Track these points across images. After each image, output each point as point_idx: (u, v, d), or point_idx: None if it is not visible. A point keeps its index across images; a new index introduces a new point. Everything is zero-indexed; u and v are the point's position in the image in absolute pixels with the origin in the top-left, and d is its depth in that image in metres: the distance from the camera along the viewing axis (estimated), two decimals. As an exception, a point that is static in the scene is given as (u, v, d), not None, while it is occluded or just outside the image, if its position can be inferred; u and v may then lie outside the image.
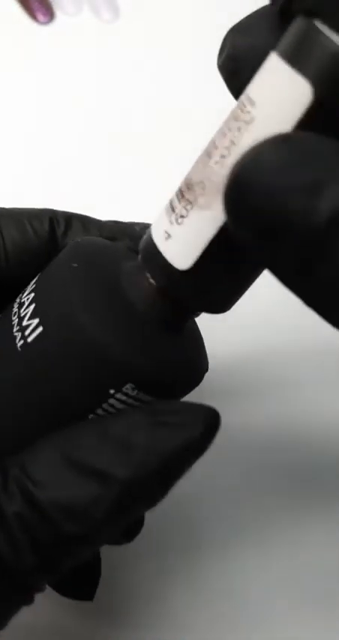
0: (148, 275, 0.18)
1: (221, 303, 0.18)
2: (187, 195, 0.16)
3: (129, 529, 0.23)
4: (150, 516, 0.25)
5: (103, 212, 0.34)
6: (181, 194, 0.16)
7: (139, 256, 0.18)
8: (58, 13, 0.42)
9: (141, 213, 0.34)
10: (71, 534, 0.16)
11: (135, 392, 0.17)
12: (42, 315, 0.18)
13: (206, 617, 0.26)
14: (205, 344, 0.20)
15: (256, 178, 0.12)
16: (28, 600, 0.17)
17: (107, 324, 0.17)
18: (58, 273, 0.18)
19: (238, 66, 0.16)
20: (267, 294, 0.32)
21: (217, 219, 0.15)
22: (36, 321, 0.18)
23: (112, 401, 0.17)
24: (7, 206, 0.22)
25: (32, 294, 0.18)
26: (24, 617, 0.17)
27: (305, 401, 0.31)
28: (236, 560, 0.27)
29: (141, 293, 0.18)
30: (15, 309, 0.19)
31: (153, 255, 0.17)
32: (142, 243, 0.18)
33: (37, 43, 0.41)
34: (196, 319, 0.20)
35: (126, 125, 0.38)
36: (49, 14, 0.41)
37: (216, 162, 0.15)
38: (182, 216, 0.16)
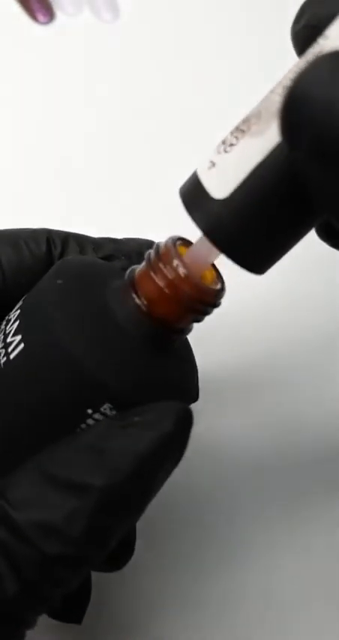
0: (135, 295, 0.18)
1: (257, 253, 0.16)
2: (240, 127, 0.16)
3: (117, 555, 0.23)
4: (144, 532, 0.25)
5: (102, 212, 0.34)
6: (235, 129, 0.16)
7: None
8: (58, 13, 0.42)
9: (141, 212, 0.35)
10: (52, 555, 0.15)
11: (113, 412, 0.17)
12: (24, 331, 0.18)
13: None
14: (205, 348, 0.20)
15: (313, 89, 0.12)
16: (18, 636, 0.16)
17: (86, 343, 0.17)
18: (42, 290, 0.18)
19: (315, 33, 0.16)
20: (264, 299, 0.33)
21: (265, 146, 0.15)
22: (18, 337, 0.18)
23: (90, 421, 0.17)
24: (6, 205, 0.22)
25: (18, 312, 0.18)
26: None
27: (304, 401, 0.31)
28: (241, 569, 0.28)
29: (127, 312, 0.18)
30: (2, 326, 0.19)
31: (193, 189, 0.16)
32: (181, 188, 0.17)
33: (37, 43, 0.41)
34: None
35: (126, 125, 0.39)
36: (49, 14, 0.41)
37: (277, 94, 0.15)
38: (231, 145, 0.16)
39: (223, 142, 0.16)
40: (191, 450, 0.17)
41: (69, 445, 0.16)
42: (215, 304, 0.18)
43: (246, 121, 0.16)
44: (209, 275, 0.18)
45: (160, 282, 0.17)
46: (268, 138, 0.15)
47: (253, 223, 0.16)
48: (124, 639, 0.26)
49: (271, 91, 0.16)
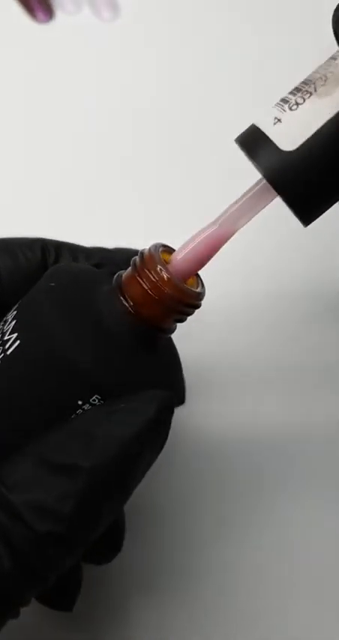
0: (122, 298, 0.19)
1: (313, 202, 0.18)
2: (304, 88, 0.18)
3: (106, 549, 0.24)
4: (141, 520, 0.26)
5: (102, 210, 0.34)
6: (295, 90, 0.18)
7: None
8: (58, 12, 0.42)
9: (142, 212, 0.35)
10: (44, 533, 0.16)
11: (101, 403, 0.19)
12: (20, 330, 0.19)
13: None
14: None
15: None
16: (13, 613, 0.17)
17: (76, 340, 0.18)
18: (36, 292, 0.20)
19: None
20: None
21: (333, 105, 0.17)
22: (15, 335, 0.19)
23: (80, 411, 0.19)
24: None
25: (15, 312, 0.20)
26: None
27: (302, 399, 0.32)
28: (233, 562, 0.28)
29: (114, 312, 0.19)
30: (0, 326, 0.20)
31: (257, 140, 0.18)
32: (240, 137, 0.19)
33: (37, 43, 0.41)
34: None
35: (126, 124, 0.39)
36: (49, 13, 0.42)
37: None
38: (297, 104, 0.18)
39: (286, 102, 0.18)
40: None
41: (61, 431, 0.18)
42: (196, 305, 0.20)
43: (308, 83, 0.18)
44: (190, 279, 0.20)
45: (145, 285, 0.19)
46: (336, 98, 0.17)
47: (317, 174, 0.18)
48: (118, 624, 0.27)
49: (334, 58, 0.18)
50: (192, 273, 0.20)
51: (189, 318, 0.20)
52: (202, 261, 0.19)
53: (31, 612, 0.19)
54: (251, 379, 0.32)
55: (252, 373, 0.32)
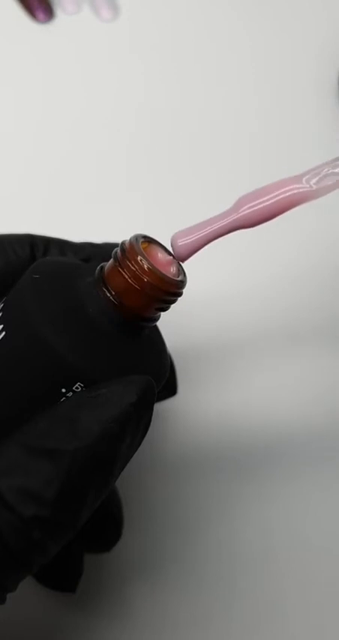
0: (105, 288, 0.20)
1: None
2: None
3: (106, 536, 0.24)
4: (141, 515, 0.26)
5: (101, 210, 0.34)
6: None
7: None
8: (58, 12, 0.42)
9: (142, 211, 0.36)
10: (28, 517, 0.16)
11: None
12: (5, 321, 0.20)
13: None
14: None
15: None
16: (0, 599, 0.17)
17: (58, 327, 0.19)
18: (21, 284, 0.20)
19: None
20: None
21: None
22: (1, 327, 0.20)
23: (64, 399, 0.19)
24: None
25: (2, 305, 0.20)
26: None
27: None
28: (229, 548, 0.29)
29: (98, 303, 0.20)
30: None
31: None
32: None
33: (37, 43, 0.41)
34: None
35: (125, 124, 0.39)
36: (49, 13, 0.42)
37: None
38: None
39: None
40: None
41: (45, 417, 0.18)
42: (177, 294, 0.20)
43: None
44: (172, 268, 0.20)
45: (126, 275, 0.19)
46: None
47: None
48: (121, 604, 0.27)
49: None
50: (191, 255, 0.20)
51: (180, 308, 0.21)
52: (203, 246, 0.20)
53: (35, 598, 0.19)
54: (242, 368, 0.32)
55: (243, 362, 0.33)
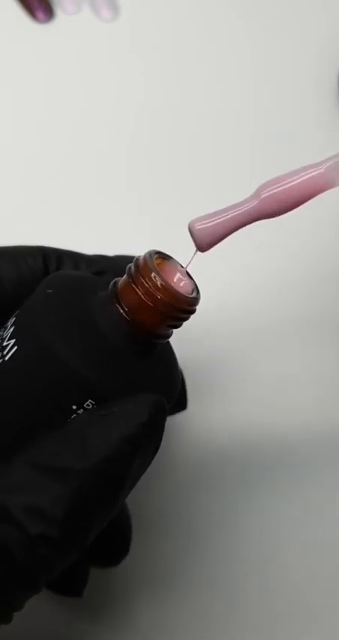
0: (117, 304, 0.20)
1: None
2: None
3: (114, 551, 0.24)
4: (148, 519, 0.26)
5: (101, 210, 0.34)
6: None
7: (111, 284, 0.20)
8: (58, 12, 0.42)
9: (143, 210, 0.36)
10: (36, 535, 0.16)
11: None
12: (17, 335, 0.20)
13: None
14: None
15: None
16: (6, 618, 0.17)
17: (70, 343, 0.19)
18: (34, 299, 0.20)
19: None
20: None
21: None
22: (13, 341, 0.20)
23: (75, 417, 0.19)
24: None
25: (14, 319, 0.20)
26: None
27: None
28: (235, 562, 0.29)
29: (110, 319, 0.20)
30: (0, 332, 0.21)
31: None
32: None
33: (37, 43, 0.41)
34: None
35: (126, 124, 0.39)
36: (49, 13, 0.42)
37: None
38: None
39: None
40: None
41: (55, 435, 0.18)
42: (190, 311, 0.20)
43: None
44: (185, 285, 0.20)
45: (140, 292, 0.19)
46: None
47: None
48: (128, 610, 0.28)
49: None
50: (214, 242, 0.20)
51: (191, 324, 0.20)
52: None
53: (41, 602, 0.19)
54: (252, 384, 0.32)
55: (253, 378, 0.32)
